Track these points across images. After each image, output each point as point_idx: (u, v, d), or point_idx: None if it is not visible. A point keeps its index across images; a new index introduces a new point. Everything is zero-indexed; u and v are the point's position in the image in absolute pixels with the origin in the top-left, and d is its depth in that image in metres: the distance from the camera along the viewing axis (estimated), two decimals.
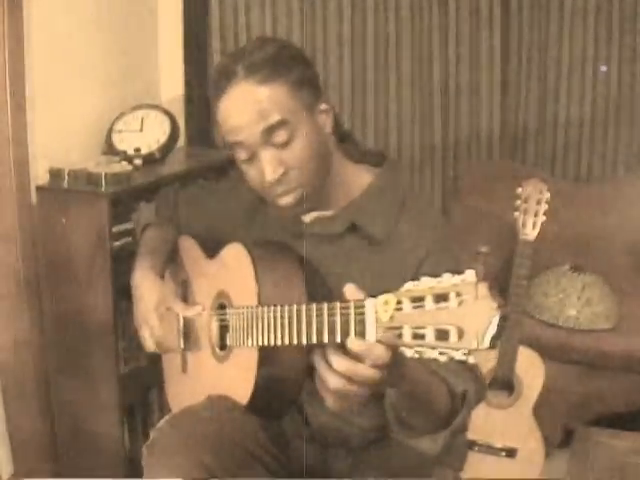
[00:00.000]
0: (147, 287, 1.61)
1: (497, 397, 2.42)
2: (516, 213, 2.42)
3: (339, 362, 1.07)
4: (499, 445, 2.39)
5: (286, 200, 1.41)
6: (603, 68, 3.04)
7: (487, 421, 2.40)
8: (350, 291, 1.07)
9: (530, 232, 2.40)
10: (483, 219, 2.87)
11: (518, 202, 2.42)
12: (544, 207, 2.41)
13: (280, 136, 1.36)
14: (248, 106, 1.35)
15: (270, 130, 1.35)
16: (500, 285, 2.47)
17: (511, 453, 2.39)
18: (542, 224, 2.40)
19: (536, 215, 2.40)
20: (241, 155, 1.41)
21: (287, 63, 1.37)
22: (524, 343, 2.41)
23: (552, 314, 2.61)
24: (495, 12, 3.07)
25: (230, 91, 1.36)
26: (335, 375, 1.08)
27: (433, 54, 3.07)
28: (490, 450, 2.39)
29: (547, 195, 2.41)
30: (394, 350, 1.04)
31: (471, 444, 2.34)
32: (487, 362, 2.40)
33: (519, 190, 2.43)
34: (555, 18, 3.05)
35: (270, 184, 1.39)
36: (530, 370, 2.40)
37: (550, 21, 3.06)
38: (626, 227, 2.92)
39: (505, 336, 2.39)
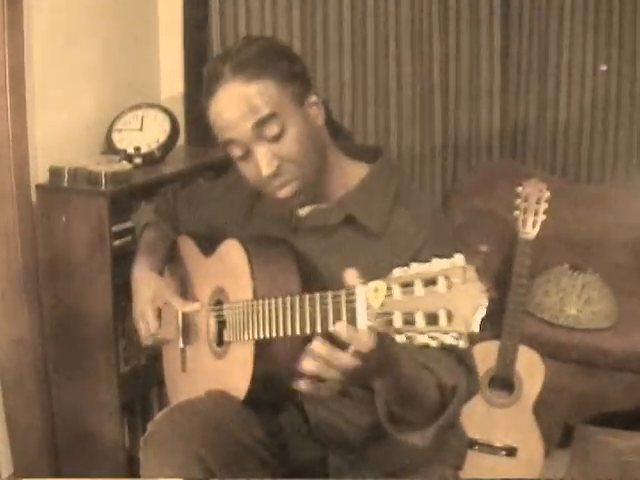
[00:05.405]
0: (144, 282, 1.63)
1: (497, 396, 2.42)
2: (516, 212, 2.42)
3: (318, 346, 1.09)
4: (499, 444, 2.39)
5: (284, 192, 1.42)
6: (603, 68, 3.04)
7: (487, 420, 2.40)
8: (350, 275, 1.07)
9: (530, 231, 2.40)
10: (483, 218, 2.87)
11: (518, 201, 2.42)
12: (544, 206, 2.41)
13: (271, 129, 1.37)
14: (237, 103, 1.37)
15: (261, 124, 1.37)
16: (500, 284, 2.48)
17: (511, 452, 2.39)
18: (542, 223, 2.40)
19: (536, 214, 2.40)
20: (235, 153, 1.42)
21: (273, 59, 1.39)
22: (524, 342, 2.41)
23: (552, 313, 2.61)
24: (495, 13, 3.06)
25: (219, 92, 1.38)
26: (310, 358, 1.10)
27: (433, 54, 3.07)
28: (490, 449, 2.39)
29: (547, 194, 2.41)
30: (380, 339, 1.06)
31: (471, 443, 2.34)
32: (487, 361, 2.41)
33: (519, 189, 2.43)
34: (555, 18, 3.05)
35: (267, 178, 1.40)
36: (530, 369, 2.40)
37: (550, 21, 3.06)
38: (626, 226, 2.92)
39: (505, 335, 2.39)
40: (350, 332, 1.05)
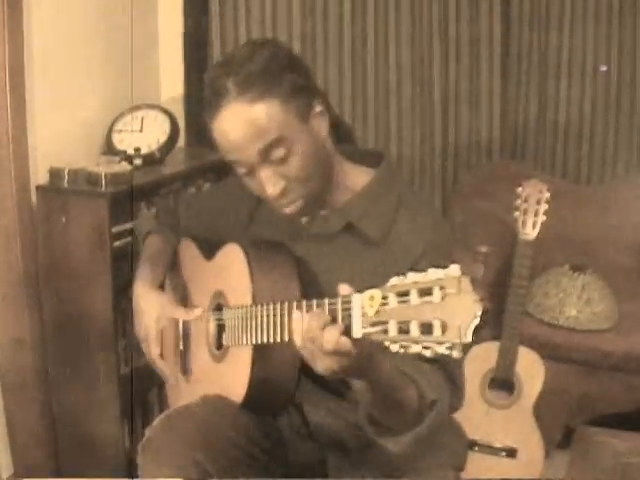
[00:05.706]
0: (147, 301, 1.62)
1: (497, 397, 2.42)
2: (516, 213, 2.42)
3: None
4: (499, 445, 2.39)
5: (290, 210, 1.42)
6: (603, 68, 3.04)
7: (487, 421, 2.40)
8: (344, 290, 1.10)
9: (530, 232, 2.41)
10: (483, 219, 2.87)
11: (518, 202, 2.42)
12: (544, 207, 2.41)
13: (278, 153, 1.35)
14: (243, 126, 1.33)
15: (268, 149, 1.34)
16: (500, 285, 2.48)
17: (511, 453, 2.39)
18: (542, 224, 2.40)
19: (536, 215, 2.40)
20: (240, 170, 1.41)
21: (278, 73, 1.34)
22: (524, 343, 2.41)
23: (552, 314, 2.61)
24: (495, 13, 3.06)
25: (223, 111, 1.34)
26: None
27: (433, 55, 3.07)
28: (490, 450, 2.39)
29: (547, 195, 2.41)
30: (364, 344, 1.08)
31: (471, 444, 2.34)
32: (487, 362, 2.41)
33: (519, 190, 2.43)
34: (555, 18, 3.05)
35: (272, 197, 1.39)
36: (530, 370, 2.40)
37: (550, 21, 3.05)
38: (626, 227, 2.92)
39: (505, 336, 2.39)
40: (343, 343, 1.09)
